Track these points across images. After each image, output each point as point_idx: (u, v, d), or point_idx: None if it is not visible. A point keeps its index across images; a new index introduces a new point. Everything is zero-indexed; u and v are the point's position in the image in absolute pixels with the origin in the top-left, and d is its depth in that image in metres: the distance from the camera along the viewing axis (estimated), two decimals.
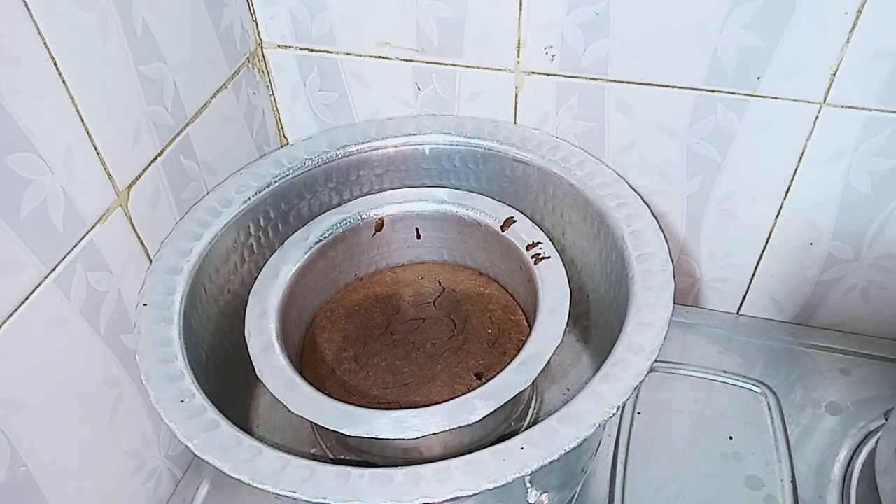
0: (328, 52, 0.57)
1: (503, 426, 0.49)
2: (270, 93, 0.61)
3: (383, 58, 0.56)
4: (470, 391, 0.42)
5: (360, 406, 0.42)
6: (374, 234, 0.57)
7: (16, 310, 0.38)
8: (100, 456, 0.47)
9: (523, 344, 0.45)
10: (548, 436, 0.37)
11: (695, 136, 0.54)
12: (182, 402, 0.39)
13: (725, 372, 0.60)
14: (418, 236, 0.58)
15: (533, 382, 0.43)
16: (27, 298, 0.38)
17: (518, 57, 0.53)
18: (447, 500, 0.35)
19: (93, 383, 0.45)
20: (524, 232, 0.52)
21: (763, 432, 0.56)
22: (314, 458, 0.46)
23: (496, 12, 0.51)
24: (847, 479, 0.53)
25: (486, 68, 0.55)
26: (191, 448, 0.37)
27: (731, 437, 0.56)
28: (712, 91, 0.51)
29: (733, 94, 0.50)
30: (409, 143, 0.57)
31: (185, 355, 0.42)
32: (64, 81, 0.39)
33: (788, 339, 0.63)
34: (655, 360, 0.40)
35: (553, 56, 0.52)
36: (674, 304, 0.43)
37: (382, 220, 0.56)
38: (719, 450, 0.55)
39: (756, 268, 0.61)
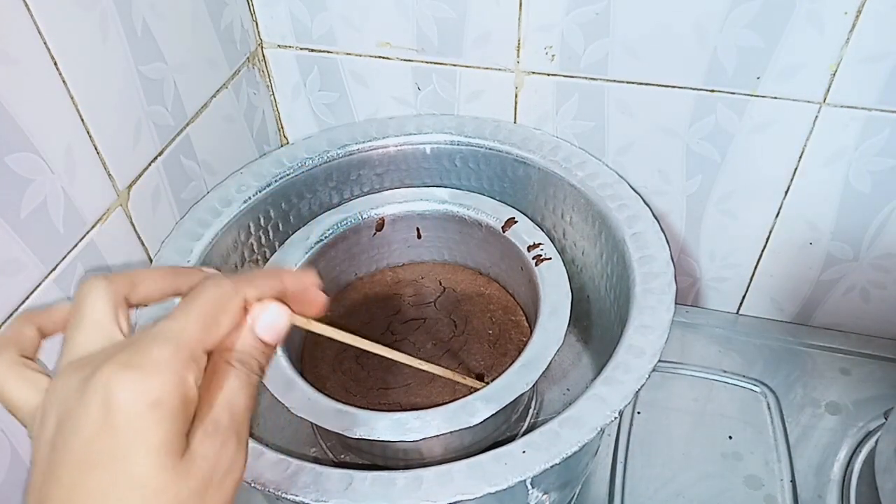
0: (328, 51, 0.57)
1: (503, 427, 0.49)
2: (270, 92, 0.61)
3: (383, 58, 0.56)
4: (471, 393, 0.42)
5: (360, 407, 0.42)
6: (375, 233, 0.57)
7: (16, 309, 0.38)
8: None
9: (524, 345, 0.45)
10: (549, 439, 0.37)
11: (694, 135, 0.54)
12: None
13: (725, 371, 0.60)
14: (419, 236, 0.58)
15: (534, 384, 0.43)
16: (27, 298, 0.38)
17: (518, 57, 0.53)
18: None
19: None
20: (525, 232, 0.52)
21: (763, 432, 0.56)
22: (315, 458, 0.46)
23: (496, 12, 0.51)
24: (847, 478, 0.53)
25: (487, 68, 0.55)
26: None
27: (730, 437, 0.56)
28: (712, 91, 0.51)
29: (733, 93, 0.50)
30: (410, 142, 0.57)
31: None
32: (64, 81, 0.39)
33: (788, 339, 0.63)
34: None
35: (553, 56, 0.52)
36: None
37: (383, 220, 0.56)
38: (719, 449, 0.55)
39: (756, 267, 0.61)
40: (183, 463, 0.23)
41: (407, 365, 0.40)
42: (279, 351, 0.45)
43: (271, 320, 0.28)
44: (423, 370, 0.41)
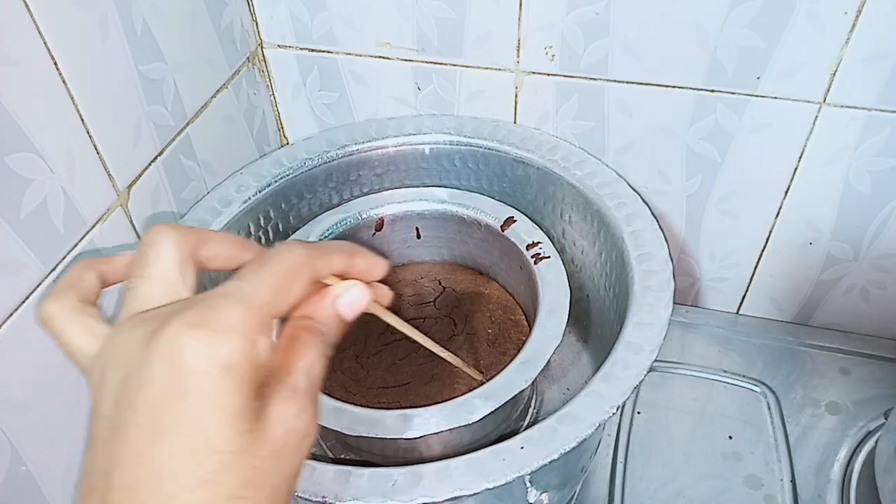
0: (328, 51, 0.57)
1: (503, 425, 0.49)
2: (270, 92, 0.61)
3: (383, 58, 0.56)
4: (470, 391, 0.42)
5: (360, 405, 0.42)
6: (374, 233, 0.57)
7: (16, 309, 0.38)
8: None
9: (523, 343, 0.45)
10: (548, 435, 0.37)
11: (694, 135, 0.54)
12: None
13: (725, 371, 0.60)
14: (418, 236, 0.58)
15: (533, 382, 0.43)
16: (27, 298, 0.38)
17: (518, 57, 0.53)
18: (447, 500, 0.35)
19: None
20: (524, 231, 0.53)
21: (763, 432, 0.56)
22: (314, 457, 0.46)
23: (496, 12, 0.51)
24: (847, 478, 0.53)
25: (486, 68, 0.55)
26: None
27: (730, 437, 0.56)
28: (712, 91, 0.51)
29: (733, 93, 0.50)
30: (410, 142, 0.57)
31: None
32: (64, 81, 0.39)
33: (788, 339, 0.63)
34: (655, 360, 0.40)
35: (553, 56, 0.52)
36: (673, 303, 0.43)
37: (382, 220, 0.56)
38: (719, 449, 0.55)
39: (756, 267, 0.61)
40: (259, 427, 0.23)
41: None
42: None
43: (354, 299, 0.28)
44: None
